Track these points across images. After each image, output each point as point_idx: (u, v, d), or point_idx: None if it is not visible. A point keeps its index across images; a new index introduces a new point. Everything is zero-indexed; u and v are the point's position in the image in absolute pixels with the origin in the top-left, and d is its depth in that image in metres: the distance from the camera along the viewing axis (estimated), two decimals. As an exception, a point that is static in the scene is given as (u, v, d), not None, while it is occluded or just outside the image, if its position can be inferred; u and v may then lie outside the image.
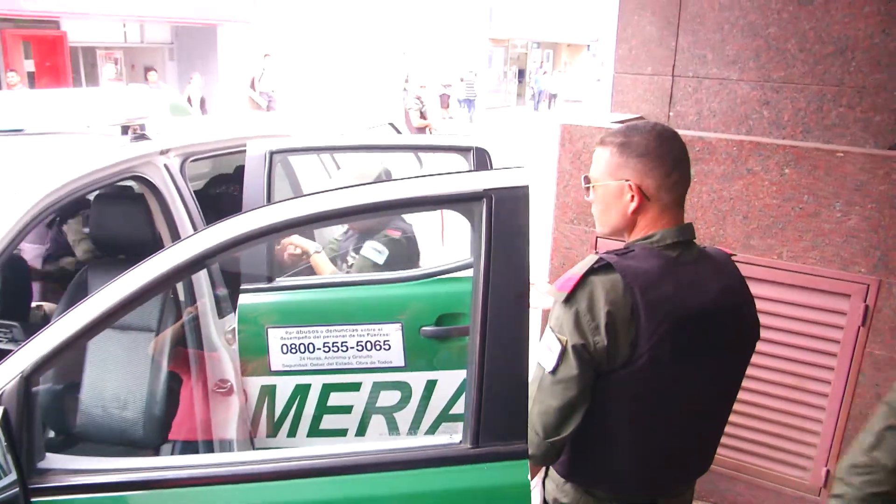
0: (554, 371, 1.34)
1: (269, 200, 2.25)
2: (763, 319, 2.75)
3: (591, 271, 1.37)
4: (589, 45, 32.07)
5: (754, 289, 2.74)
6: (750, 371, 2.80)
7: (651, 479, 1.54)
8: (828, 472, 2.80)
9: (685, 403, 1.47)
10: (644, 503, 1.56)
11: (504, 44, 27.52)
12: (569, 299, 1.35)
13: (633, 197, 1.45)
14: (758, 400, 2.86)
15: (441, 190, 1.20)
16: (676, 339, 1.35)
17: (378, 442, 1.20)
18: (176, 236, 2.25)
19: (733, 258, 1.58)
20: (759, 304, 2.75)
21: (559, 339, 1.34)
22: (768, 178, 2.68)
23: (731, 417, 2.90)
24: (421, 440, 1.22)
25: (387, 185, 1.20)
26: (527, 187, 1.17)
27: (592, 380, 1.36)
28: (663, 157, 1.44)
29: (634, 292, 1.34)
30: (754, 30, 3.42)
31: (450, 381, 2.25)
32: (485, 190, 1.18)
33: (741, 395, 2.86)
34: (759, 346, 2.73)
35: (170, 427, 2.34)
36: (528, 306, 1.13)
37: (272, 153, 2.27)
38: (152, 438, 2.30)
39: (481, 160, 2.29)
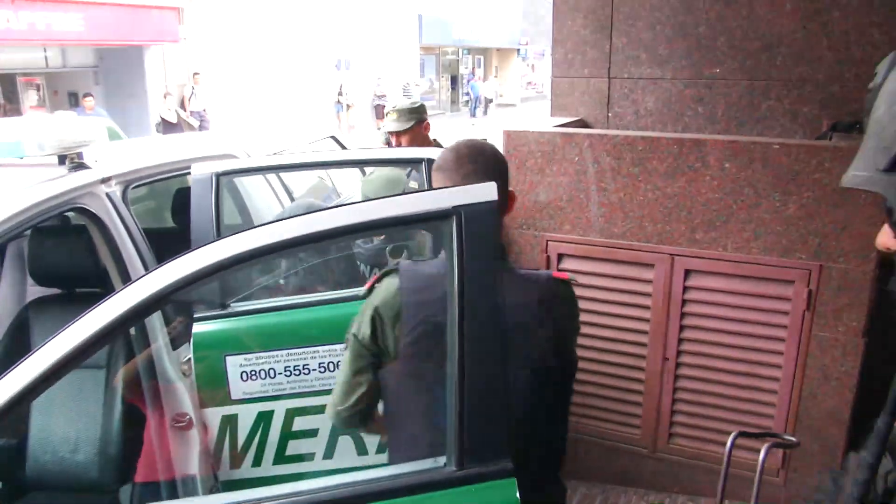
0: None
1: (218, 224, 2.19)
2: (713, 310, 2.87)
3: (385, 273, 1.57)
4: (519, 50, 32.51)
5: (703, 281, 2.86)
6: (703, 361, 2.93)
7: None
8: (784, 453, 2.89)
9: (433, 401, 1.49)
10: None
11: (435, 52, 27.65)
12: (367, 293, 1.57)
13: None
14: (713, 389, 2.94)
15: (408, 209, 1.18)
16: (430, 341, 1.44)
17: (363, 473, 1.16)
18: (123, 268, 2.17)
19: (561, 281, 1.59)
20: (707, 296, 2.88)
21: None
22: (709, 174, 2.75)
23: (686, 407, 3.01)
24: (405, 466, 1.20)
25: (351, 207, 1.17)
26: (495, 202, 1.17)
27: (369, 366, 1.55)
28: (455, 170, 1.52)
29: (402, 294, 1.49)
30: (685, 29, 3.52)
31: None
32: (453, 207, 1.16)
33: (694, 385, 2.97)
34: (712, 336, 2.87)
35: (129, 468, 2.25)
36: (503, 322, 1.13)
37: (218, 175, 2.21)
38: (108, 481, 2.21)
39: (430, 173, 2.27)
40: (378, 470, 1.19)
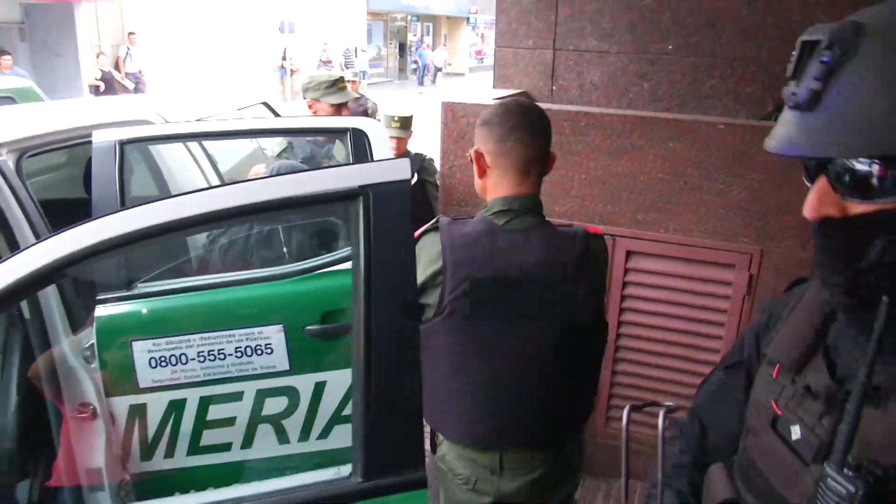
0: None
1: (123, 196, 1.99)
2: (653, 293, 2.80)
3: (424, 232, 1.54)
4: (468, 18, 32.13)
5: (645, 263, 2.78)
6: (642, 345, 2.86)
7: (481, 432, 1.58)
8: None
9: (498, 361, 1.52)
10: (489, 452, 1.61)
11: (383, 17, 27.09)
12: None
13: (477, 164, 1.57)
14: (651, 373, 2.89)
15: (307, 189, 1.04)
16: (476, 296, 1.46)
17: (257, 485, 1.02)
18: (15, 246, 1.96)
19: (594, 236, 1.57)
20: (649, 279, 2.81)
21: None
22: (653, 152, 2.66)
23: (624, 391, 2.96)
24: (305, 477, 1.06)
25: (246, 186, 1.02)
26: (408, 181, 1.03)
27: None
28: (501, 124, 1.52)
29: (445, 252, 1.47)
30: (629, 2, 3.41)
31: (340, 381, 2.10)
32: (360, 187, 1.03)
33: (633, 368, 2.91)
34: (652, 319, 2.80)
35: (27, 462, 2.06)
36: (418, 317, 1.01)
37: (122, 143, 2.01)
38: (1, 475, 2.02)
39: (359, 144, 2.11)
40: (272, 482, 1.05)
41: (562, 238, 1.52)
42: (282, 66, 18.78)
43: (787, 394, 0.90)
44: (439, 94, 4.15)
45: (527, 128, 1.52)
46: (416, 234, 1.53)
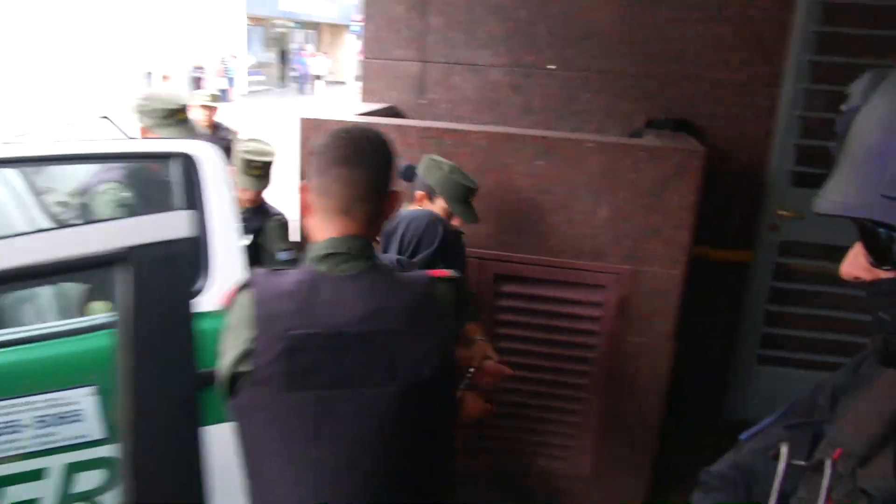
0: None
1: None
2: (524, 318, 2.67)
3: (241, 287, 1.30)
4: (350, 26, 31.76)
5: (513, 286, 2.65)
6: (516, 372, 2.72)
7: None
8: (591, 459, 2.77)
9: (328, 442, 1.27)
10: None
11: (263, 23, 26.30)
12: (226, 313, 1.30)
13: (303, 199, 1.35)
14: (521, 399, 2.75)
15: (66, 250, 0.79)
16: (294, 361, 1.23)
17: None
18: None
19: (440, 281, 1.36)
20: (517, 303, 2.67)
21: None
22: (521, 170, 2.54)
23: (498, 421, 2.80)
24: None
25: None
26: (188, 241, 0.80)
27: None
28: (323, 155, 1.32)
29: (257, 308, 1.25)
30: (504, 12, 3.30)
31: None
32: (129, 249, 0.79)
33: (503, 396, 2.76)
34: (523, 345, 2.67)
35: None
36: (197, 415, 0.79)
37: None
38: None
39: (186, 172, 1.80)
40: None
41: (397, 285, 1.32)
42: (148, 73, 17.74)
43: (844, 488, 0.77)
44: (320, 103, 3.85)
45: (351, 162, 1.29)
46: (228, 297, 1.30)
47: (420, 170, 2.31)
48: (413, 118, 3.37)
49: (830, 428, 0.85)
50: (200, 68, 18.37)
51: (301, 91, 25.07)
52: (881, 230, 0.67)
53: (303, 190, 1.35)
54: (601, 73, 3.25)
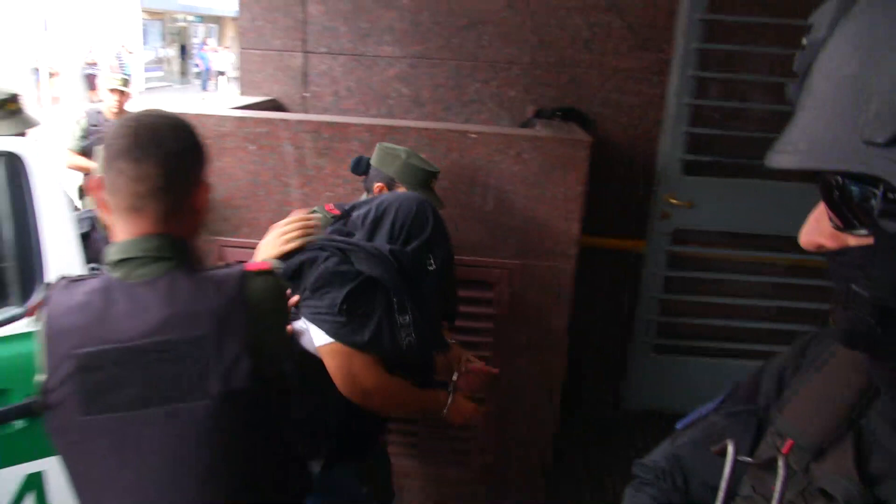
0: None
1: None
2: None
3: (42, 302, 1.17)
4: (256, 20, 30.84)
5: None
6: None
7: None
8: (485, 465, 2.69)
9: (133, 470, 1.14)
10: None
11: (161, 17, 25.22)
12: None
13: (97, 196, 1.19)
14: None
15: None
16: (87, 381, 1.10)
17: None
18: None
19: (256, 275, 1.21)
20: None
21: None
22: (404, 165, 2.41)
23: (392, 425, 2.67)
24: None
25: None
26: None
27: None
28: (107, 148, 1.16)
29: (45, 325, 1.14)
30: (386, 0, 3.16)
31: (4, 480, 1.61)
32: None
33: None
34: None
35: None
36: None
37: None
38: None
39: (12, 172, 1.59)
40: None
41: (202, 286, 1.16)
42: (35, 68, 16.65)
43: (798, 484, 0.68)
44: (222, 99, 3.60)
45: (135, 155, 1.13)
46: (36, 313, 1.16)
47: (374, 161, 2.14)
48: (297, 112, 3.20)
49: (777, 416, 0.76)
50: (93, 64, 17.41)
51: (204, 87, 24.17)
52: (853, 187, 0.55)
53: (96, 187, 1.17)
54: (491, 62, 3.16)
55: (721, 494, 0.71)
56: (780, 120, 0.60)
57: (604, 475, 2.93)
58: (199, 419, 1.12)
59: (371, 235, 1.77)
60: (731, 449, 0.73)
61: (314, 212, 2.04)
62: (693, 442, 0.92)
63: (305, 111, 3.19)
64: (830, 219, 0.58)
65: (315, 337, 1.64)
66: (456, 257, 2.44)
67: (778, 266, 3.28)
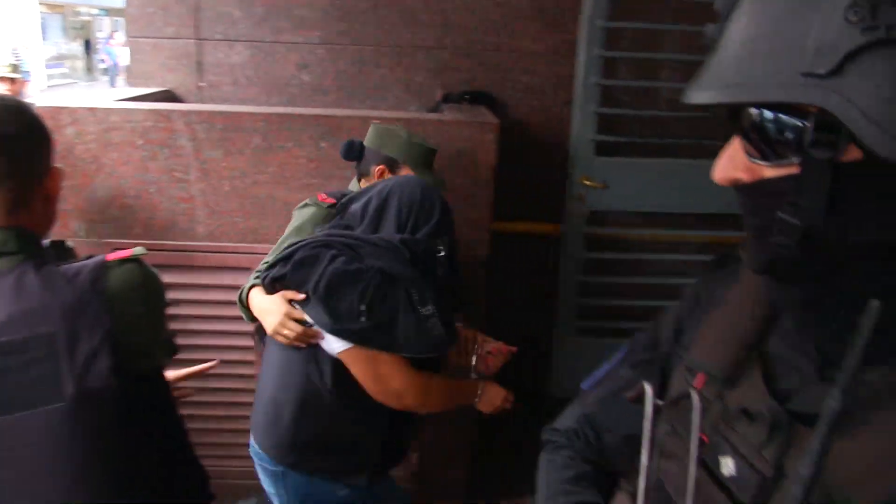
0: None
1: None
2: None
3: None
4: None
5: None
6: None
7: None
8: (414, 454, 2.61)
9: None
10: None
11: (62, 10, 23.99)
12: None
13: None
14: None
15: None
16: None
17: None
18: None
19: (115, 265, 1.09)
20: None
21: None
22: (304, 155, 2.29)
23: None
24: None
25: None
26: None
27: None
28: None
29: None
30: (283, -18, 3.01)
31: None
32: None
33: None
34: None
35: None
36: None
37: None
38: None
39: None
40: None
41: (52, 280, 1.05)
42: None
43: (715, 414, 0.71)
44: (109, 93, 3.39)
45: (11, 142, 1.04)
46: None
47: (370, 142, 2.00)
48: (193, 103, 3.01)
49: (685, 355, 0.79)
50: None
51: (112, 84, 23.10)
52: (780, 119, 0.56)
53: None
54: (395, 46, 3.06)
55: (646, 434, 0.71)
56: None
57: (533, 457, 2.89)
58: (54, 424, 1.00)
59: (376, 226, 1.66)
60: (649, 390, 0.73)
61: (305, 205, 1.93)
62: (602, 399, 0.94)
63: (202, 102, 3.01)
64: (748, 153, 0.60)
65: (333, 343, 1.56)
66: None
67: (693, 244, 3.30)
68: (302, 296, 1.56)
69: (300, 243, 1.62)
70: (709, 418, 0.71)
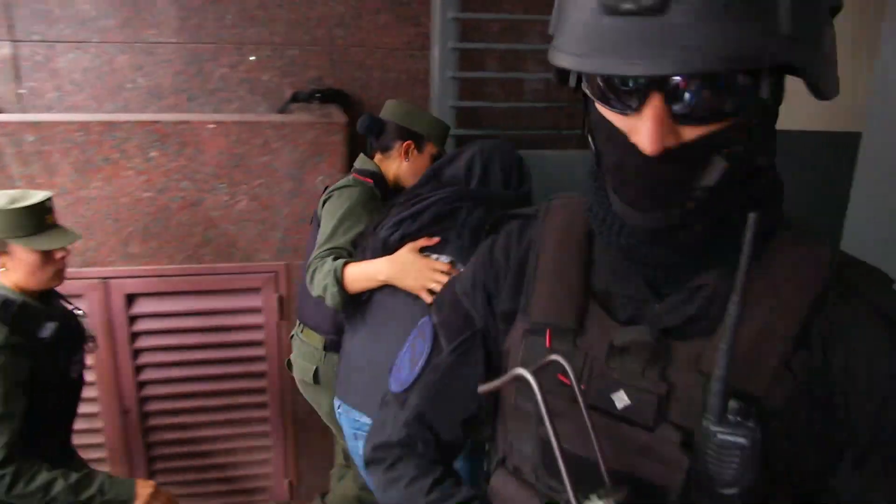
0: None
1: None
2: (174, 340, 2.25)
3: None
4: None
5: (152, 305, 2.20)
6: (178, 404, 2.30)
7: None
8: (291, 483, 2.47)
9: None
10: None
11: None
12: None
13: None
14: (197, 434, 2.35)
15: None
16: None
17: None
18: None
19: None
20: (161, 324, 2.22)
21: None
22: (132, 167, 2.09)
23: (167, 464, 2.35)
24: None
25: None
26: None
27: None
28: None
29: None
30: (111, -23, 2.75)
31: None
32: None
33: (176, 434, 2.33)
34: (179, 371, 2.24)
35: None
36: None
37: None
38: None
39: None
40: None
41: None
42: None
43: (578, 362, 0.73)
44: None
45: None
46: None
47: (395, 117, 1.94)
48: (14, 113, 2.71)
49: (525, 317, 0.79)
50: None
51: None
52: (719, 84, 0.60)
53: None
54: (237, 44, 2.86)
55: (547, 418, 0.67)
56: (551, 90, 0.51)
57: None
58: None
59: (485, 184, 1.71)
60: (523, 372, 0.67)
61: (346, 186, 1.84)
62: (429, 397, 0.89)
63: (24, 111, 2.71)
64: (678, 117, 0.61)
65: None
66: (211, 266, 2.18)
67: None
68: (436, 239, 1.60)
69: (430, 199, 1.62)
70: (577, 367, 0.73)
